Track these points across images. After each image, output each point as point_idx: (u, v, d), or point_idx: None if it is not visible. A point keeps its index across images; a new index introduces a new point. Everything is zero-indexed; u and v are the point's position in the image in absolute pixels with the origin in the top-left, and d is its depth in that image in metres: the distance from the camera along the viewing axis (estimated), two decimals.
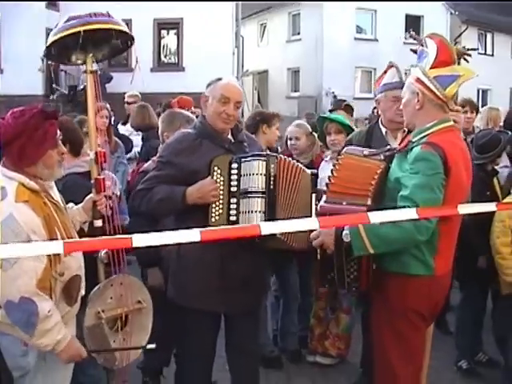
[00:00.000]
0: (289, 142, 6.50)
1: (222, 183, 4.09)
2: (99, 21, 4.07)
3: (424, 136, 3.81)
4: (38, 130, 3.47)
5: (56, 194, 3.74)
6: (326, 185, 4.06)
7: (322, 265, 3.95)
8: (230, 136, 4.36)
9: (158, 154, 4.48)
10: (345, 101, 17.44)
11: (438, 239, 3.77)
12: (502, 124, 7.91)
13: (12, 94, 22.14)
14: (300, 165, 4.31)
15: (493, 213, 5.44)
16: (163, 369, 5.55)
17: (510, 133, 6.19)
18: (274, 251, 4.57)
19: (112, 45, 4.42)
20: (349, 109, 8.60)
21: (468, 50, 4.71)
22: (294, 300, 6.49)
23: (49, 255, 3.34)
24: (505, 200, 5.63)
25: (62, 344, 3.44)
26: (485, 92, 37.20)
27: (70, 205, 4.10)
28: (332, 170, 4.04)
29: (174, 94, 12.85)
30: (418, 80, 3.86)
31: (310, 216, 4.14)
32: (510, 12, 40.80)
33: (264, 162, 4.05)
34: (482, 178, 5.64)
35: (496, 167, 5.99)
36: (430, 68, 3.84)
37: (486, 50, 38.69)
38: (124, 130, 9.28)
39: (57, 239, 3.38)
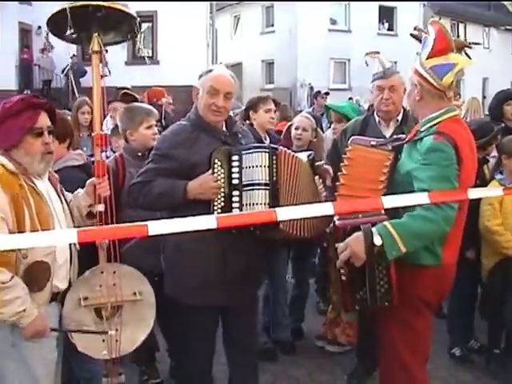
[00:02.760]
0: (294, 132, 6.39)
1: (222, 176, 4.03)
2: None
3: (432, 125, 3.81)
4: (20, 116, 3.61)
5: (43, 183, 3.78)
6: (336, 186, 4.05)
7: (350, 284, 3.83)
8: (224, 128, 4.31)
9: (154, 146, 4.40)
10: (320, 92, 17.52)
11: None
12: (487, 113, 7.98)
13: None
14: (295, 154, 4.26)
15: (478, 204, 5.52)
16: (155, 354, 5.62)
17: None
18: (273, 242, 4.53)
19: (121, 29, 4.35)
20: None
21: (470, 43, 4.72)
22: (283, 291, 6.47)
23: (12, 231, 3.44)
24: (489, 186, 5.68)
25: (27, 318, 3.50)
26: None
27: (78, 190, 4.12)
28: (341, 166, 4.05)
29: (149, 87, 12.76)
30: (416, 71, 3.89)
31: (319, 200, 4.13)
32: (482, 4, 41.22)
33: (266, 154, 3.99)
34: None
35: (488, 157, 6.02)
36: (428, 57, 3.85)
37: None
38: (112, 123, 9.15)
39: (24, 220, 3.48)
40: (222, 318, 4.43)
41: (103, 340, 3.92)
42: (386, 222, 3.63)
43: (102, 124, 4.24)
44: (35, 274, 3.57)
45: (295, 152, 4.39)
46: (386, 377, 4.16)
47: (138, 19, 4.28)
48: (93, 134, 4.18)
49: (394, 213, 3.75)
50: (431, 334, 4.15)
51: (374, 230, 3.62)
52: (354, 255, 3.65)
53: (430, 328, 4.09)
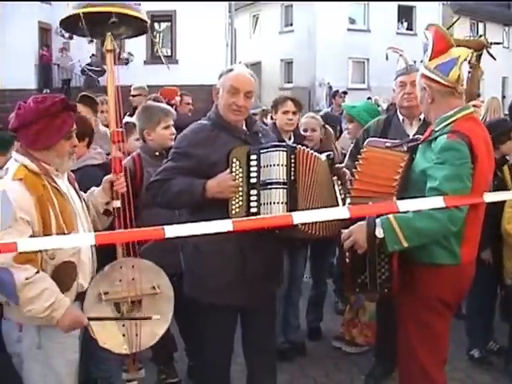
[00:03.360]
0: (304, 134, 6.42)
1: (241, 175, 4.03)
2: (103, 4, 4.09)
3: (447, 124, 3.80)
4: (56, 118, 3.61)
5: (63, 182, 3.80)
6: (350, 181, 4.08)
7: (352, 268, 3.91)
8: (244, 127, 4.31)
9: (174, 145, 4.41)
10: (338, 91, 17.51)
11: (465, 228, 3.76)
12: (506, 113, 7.92)
13: (4, 88, 22.05)
14: (315, 152, 4.26)
15: (499, 204, 5.44)
16: (173, 354, 5.63)
17: None
18: (293, 241, 4.49)
19: (132, 25, 4.41)
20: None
21: (491, 43, 4.69)
22: (297, 292, 6.45)
23: (38, 232, 3.45)
24: None
25: (58, 311, 3.49)
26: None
27: (93, 188, 4.15)
28: (356, 165, 4.06)
29: (168, 86, 12.76)
30: (423, 75, 3.93)
31: (336, 201, 4.13)
32: (501, 3, 40.98)
33: (284, 153, 3.99)
34: None
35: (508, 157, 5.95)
36: (430, 59, 3.88)
37: None
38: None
39: (50, 220, 3.50)
40: (241, 318, 4.43)
41: (123, 335, 3.95)
42: (390, 215, 3.65)
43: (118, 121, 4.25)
44: (63, 275, 3.59)
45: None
46: (404, 378, 4.15)
47: (149, 22, 4.36)
48: (109, 131, 4.22)
49: (403, 192, 3.79)
50: (449, 335, 4.13)
51: (377, 221, 3.67)
52: (356, 244, 3.74)
53: (448, 329, 4.07)
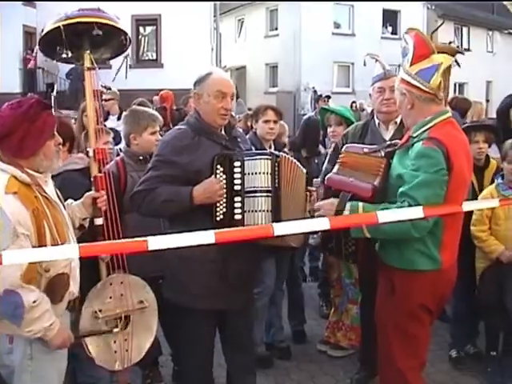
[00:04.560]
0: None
1: (224, 182, 4.02)
2: (83, 14, 4.10)
3: (424, 130, 3.81)
4: (37, 120, 3.48)
5: (51, 190, 3.71)
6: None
7: (323, 235, 4.23)
8: (223, 132, 4.31)
9: (155, 153, 4.35)
10: (321, 95, 17.61)
11: (442, 232, 3.80)
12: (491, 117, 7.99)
13: None
14: (297, 162, 4.30)
15: None
16: (158, 358, 5.66)
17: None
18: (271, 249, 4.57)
19: (111, 45, 4.44)
20: None
21: (460, 49, 4.71)
22: (280, 293, 6.48)
23: (33, 246, 3.35)
24: (485, 191, 5.68)
25: (53, 330, 3.46)
26: (461, 86, 37.35)
27: (70, 201, 4.04)
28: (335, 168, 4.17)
29: (153, 90, 12.76)
30: (403, 80, 3.91)
31: (304, 214, 4.21)
32: (485, 7, 41.25)
33: (269, 161, 4.00)
34: None
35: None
36: (411, 64, 3.86)
37: (462, 44, 38.82)
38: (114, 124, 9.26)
39: (45, 233, 3.41)
40: (219, 320, 4.42)
41: (115, 351, 3.98)
42: (360, 204, 3.75)
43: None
44: (56, 287, 3.54)
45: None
46: (383, 381, 4.19)
47: (129, 34, 4.39)
48: (90, 149, 4.20)
49: (382, 197, 3.83)
50: (431, 339, 4.16)
51: (347, 206, 3.78)
52: None
53: (429, 334, 4.10)
